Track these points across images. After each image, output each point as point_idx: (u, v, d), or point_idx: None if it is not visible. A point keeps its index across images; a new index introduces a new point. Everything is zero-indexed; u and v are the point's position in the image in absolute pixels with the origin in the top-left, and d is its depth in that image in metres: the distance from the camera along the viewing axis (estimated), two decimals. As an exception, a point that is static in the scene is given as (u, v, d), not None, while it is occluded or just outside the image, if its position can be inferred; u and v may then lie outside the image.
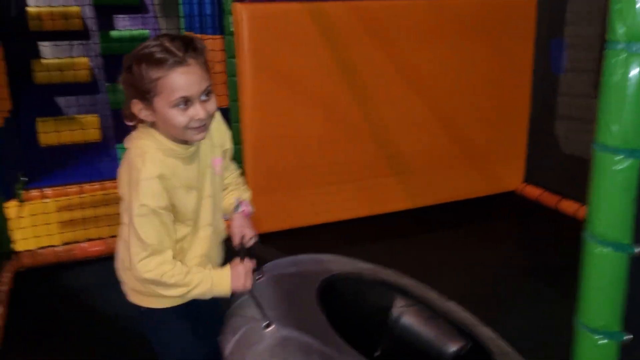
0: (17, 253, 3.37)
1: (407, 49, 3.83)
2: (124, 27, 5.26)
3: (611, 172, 1.30)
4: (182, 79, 1.39)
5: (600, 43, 3.75)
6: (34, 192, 4.32)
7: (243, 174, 3.61)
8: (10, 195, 3.80)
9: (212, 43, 3.88)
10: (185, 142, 1.51)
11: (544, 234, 3.89)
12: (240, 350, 1.49)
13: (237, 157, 3.65)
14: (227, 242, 1.72)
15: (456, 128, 4.15)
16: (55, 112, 5.12)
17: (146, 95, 1.42)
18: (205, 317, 1.70)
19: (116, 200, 1.63)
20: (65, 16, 5.13)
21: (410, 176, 4.09)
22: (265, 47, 3.46)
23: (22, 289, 3.15)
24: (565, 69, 4.17)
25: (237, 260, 1.60)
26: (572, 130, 4.14)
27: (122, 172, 1.52)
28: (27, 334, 2.76)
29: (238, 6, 3.38)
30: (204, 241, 1.64)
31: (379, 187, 4.01)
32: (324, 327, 1.48)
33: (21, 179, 4.37)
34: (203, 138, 1.51)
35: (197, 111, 1.43)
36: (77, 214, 3.75)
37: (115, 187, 1.61)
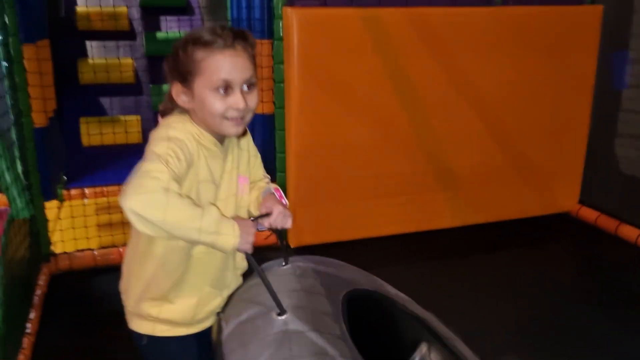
0: (54, 255, 3.32)
1: (463, 59, 3.66)
2: (170, 29, 5.22)
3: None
4: (226, 61, 1.34)
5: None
6: (74, 192, 4.32)
7: (285, 183, 3.55)
8: (50, 195, 3.77)
9: (259, 48, 3.75)
10: (217, 138, 1.42)
11: (603, 261, 3.67)
12: (243, 332, 1.35)
13: (280, 166, 3.54)
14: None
15: (510, 143, 3.94)
16: (98, 112, 5.12)
17: (187, 76, 1.35)
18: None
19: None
20: (114, 17, 5.14)
21: (460, 192, 3.91)
22: (315, 53, 3.35)
23: (57, 293, 3.09)
24: (629, 85, 3.99)
25: (249, 220, 1.37)
26: (633, 149, 3.92)
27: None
28: (60, 341, 2.71)
29: (289, 10, 3.28)
30: (216, 257, 1.45)
31: (427, 202, 3.84)
32: (344, 337, 1.31)
33: (62, 177, 4.36)
34: (238, 133, 1.42)
35: (236, 100, 1.35)
36: (116, 217, 3.68)
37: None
